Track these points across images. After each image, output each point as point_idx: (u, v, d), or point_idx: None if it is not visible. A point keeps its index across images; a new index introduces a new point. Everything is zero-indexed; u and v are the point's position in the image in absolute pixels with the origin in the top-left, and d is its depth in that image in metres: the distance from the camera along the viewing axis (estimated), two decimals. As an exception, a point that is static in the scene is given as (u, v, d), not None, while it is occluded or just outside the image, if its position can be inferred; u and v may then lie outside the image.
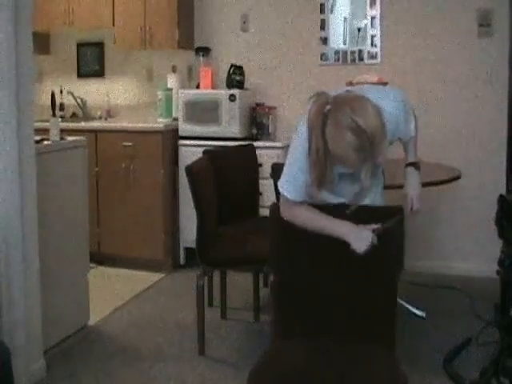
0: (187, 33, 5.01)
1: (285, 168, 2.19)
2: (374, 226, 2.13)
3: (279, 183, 2.20)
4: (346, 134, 1.85)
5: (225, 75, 4.80)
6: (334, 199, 2.23)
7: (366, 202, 2.34)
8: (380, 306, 2.21)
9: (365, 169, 1.97)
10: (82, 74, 5.52)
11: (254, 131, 4.75)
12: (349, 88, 2.12)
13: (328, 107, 1.90)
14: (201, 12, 5.08)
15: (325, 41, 4.77)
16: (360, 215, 2.19)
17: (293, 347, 2.20)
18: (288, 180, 2.17)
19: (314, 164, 1.98)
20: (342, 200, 2.24)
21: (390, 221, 2.15)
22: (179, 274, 4.64)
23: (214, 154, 3.75)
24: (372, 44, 4.64)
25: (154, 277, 4.56)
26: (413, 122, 2.39)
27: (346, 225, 2.14)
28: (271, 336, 2.34)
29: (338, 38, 4.73)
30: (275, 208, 2.25)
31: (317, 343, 2.19)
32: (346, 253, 2.12)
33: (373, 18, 4.62)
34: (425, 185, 3.55)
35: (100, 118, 5.33)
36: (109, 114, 5.35)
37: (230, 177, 3.73)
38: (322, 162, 1.94)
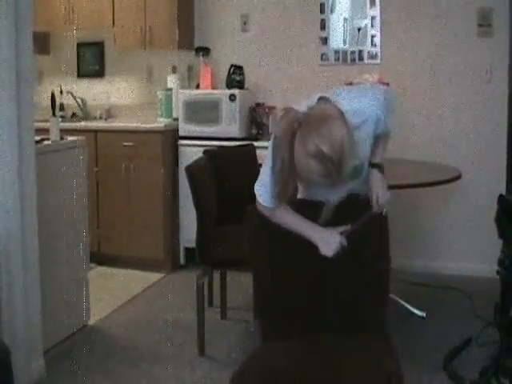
0: (187, 33, 5.01)
1: (261, 173, 2.17)
2: (342, 228, 2.14)
3: (255, 187, 2.20)
4: (311, 161, 1.82)
5: (225, 75, 4.80)
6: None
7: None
8: (368, 300, 2.21)
9: (333, 191, 2.03)
10: (81, 73, 5.52)
11: (254, 131, 4.75)
12: (323, 95, 2.02)
13: (296, 126, 1.86)
14: (201, 12, 5.08)
15: (325, 41, 4.77)
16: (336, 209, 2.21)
17: (278, 349, 2.18)
18: (262, 186, 2.16)
19: (277, 178, 1.98)
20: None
21: (358, 221, 2.16)
22: (179, 273, 4.64)
23: (214, 154, 3.75)
24: (372, 44, 4.64)
25: (154, 277, 4.56)
26: (392, 118, 2.29)
27: (314, 228, 2.16)
28: (262, 336, 2.34)
29: (338, 38, 4.73)
30: (255, 210, 2.25)
31: (307, 341, 2.18)
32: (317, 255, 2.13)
33: (373, 18, 4.62)
34: (425, 185, 3.58)
35: (100, 117, 5.34)
36: (109, 113, 5.35)
37: (230, 177, 3.72)
38: (285, 178, 1.94)
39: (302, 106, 1.96)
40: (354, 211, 2.19)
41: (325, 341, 2.17)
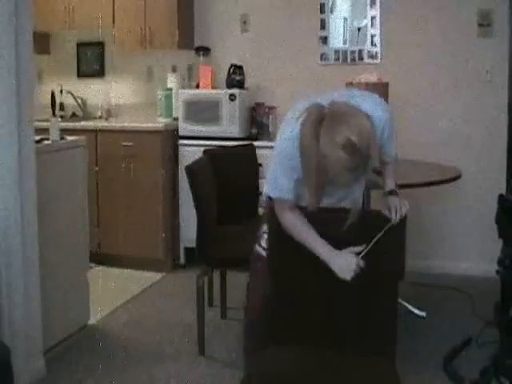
0: (187, 33, 5.01)
1: (269, 173, 2.17)
2: (357, 249, 2.08)
3: (265, 189, 2.19)
4: (340, 153, 1.81)
5: (225, 75, 4.80)
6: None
7: (347, 202, 2.30)
8: (380, 317, 2.18)
9: (358, 187, 2.03)
10: (81, 73, 5.52)
11: (254, 131, 4.75)
12: (337, 94, 2.04)
13: (324, 123, 1.86)
14: (201, 12, 5.08)
15: (325, 41, 4.77)
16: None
17: (288, 354, 2.17)
18: (273, 184, 2.16)
19: (309, 180, 1.96)
20: (328, 201, 2.22)
21: (374, 239, 2.09)
22: (179, 273, 4.64)
23: (213, 154, 3.75)
24: (372, 44, 4.64)
25: (154, 277, 4.56)
26: (394, 141, 2.27)
27: (328, 251, 2.10)
28: (269, 340, 2.33)
29: (337, 37, 4.73)
30: (272, 214, 2.23)
31: (313, 352, 2.16)
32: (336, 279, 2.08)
33: (373, 18, 4.62)
34: (425, 185, 3.58)
35: (100, 117, 5.33)
36: (109, 113, 5.35)
37: (230, 177, 3.72)
38: (318, 178, 1.92)
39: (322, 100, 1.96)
40: (368, 228, 2.15)
41: (333, 355, 2.15)
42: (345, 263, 2.07)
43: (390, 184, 2.33)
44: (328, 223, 2.17)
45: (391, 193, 2.29)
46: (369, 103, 2.09)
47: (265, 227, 2.32)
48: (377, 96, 2.23)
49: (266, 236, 2.30)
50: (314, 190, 2.00)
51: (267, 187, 2.20)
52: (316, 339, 2.20)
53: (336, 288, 2.17)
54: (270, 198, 2.23)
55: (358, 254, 2.09)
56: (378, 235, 2.10)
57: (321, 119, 1.87)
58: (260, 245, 2.34)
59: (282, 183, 2.12)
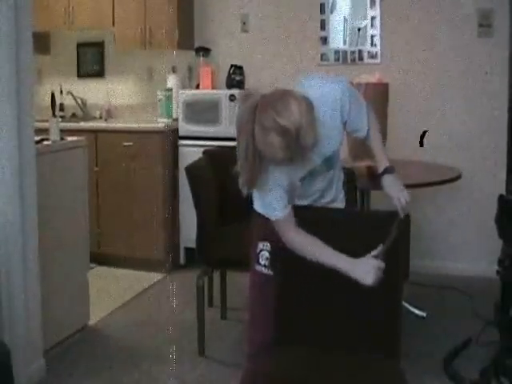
0: (187, 33, 5.01)
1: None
2: (373, 252, 2.06)
3: (257, 208, 2.21)
4: (270, 134, 1.87)
5: (225, 75, 4.80)
6: (298, 202, 2.25)
7: (327, 199, 2.34)
8: (384, 316, 2.18)
9: (295, 171, 2.06)
10: (82, 73, 5.52)
11: (254, 131, 4.75)
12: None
13: (255, 108, 1.91)
14: (201, 12, 5.08)
15: (325, 41, 4.77)
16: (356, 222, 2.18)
17: (291, 354, 2.16)
18: (261, 202, 2.18)
19: (244, 164, 2.00)
20: (305, 202, 2.27)
21: (388, 237, 2.07)
22: (179, 274, 4.64)
23: (213, 154, 3.75)
24: (372, 44, 4.64)
25: (154, 277, 4.56)
26: (365, 115, 2.27)
27: (346, 262, 2.07)
28: (271, 339, 2.32)
29: (338, 38, 4.73)
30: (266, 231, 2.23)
31: (318, 352, 2.15)
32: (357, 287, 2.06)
33: (373, 18, 4.62)
34: (425, 185, 3.58)
35: (100, 118, 5.33)
36: (109, 114, 5.35)
37: (230, 177, 3.71)
38: (251, 161, 1.96)
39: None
40: (377, 228, 2.14)
41: (336, 355, 2.14)
42: (365, 269, 2.04)
43: (382, 161, 2.30)
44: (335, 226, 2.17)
45: (385, 172, 2.28)
46: (317, 86, 2.13)
47: (260, 245, 2.32)
48: (329, 78, 2.23)
49: (264, 254, 2.30)
50: (249, 173, 2.03)
51: (257, 204, 2.20)
52: (320, 339, 2.20)
53: (340, 288, 2.16)
54: (259, 214, 2.22)
55: (376, 256, 2.05)
56: (390, 234, 2.08)
57: (255, 105, 1.91)
58: (260, 264, 2.34)
59: (272, 200, 2.13)
